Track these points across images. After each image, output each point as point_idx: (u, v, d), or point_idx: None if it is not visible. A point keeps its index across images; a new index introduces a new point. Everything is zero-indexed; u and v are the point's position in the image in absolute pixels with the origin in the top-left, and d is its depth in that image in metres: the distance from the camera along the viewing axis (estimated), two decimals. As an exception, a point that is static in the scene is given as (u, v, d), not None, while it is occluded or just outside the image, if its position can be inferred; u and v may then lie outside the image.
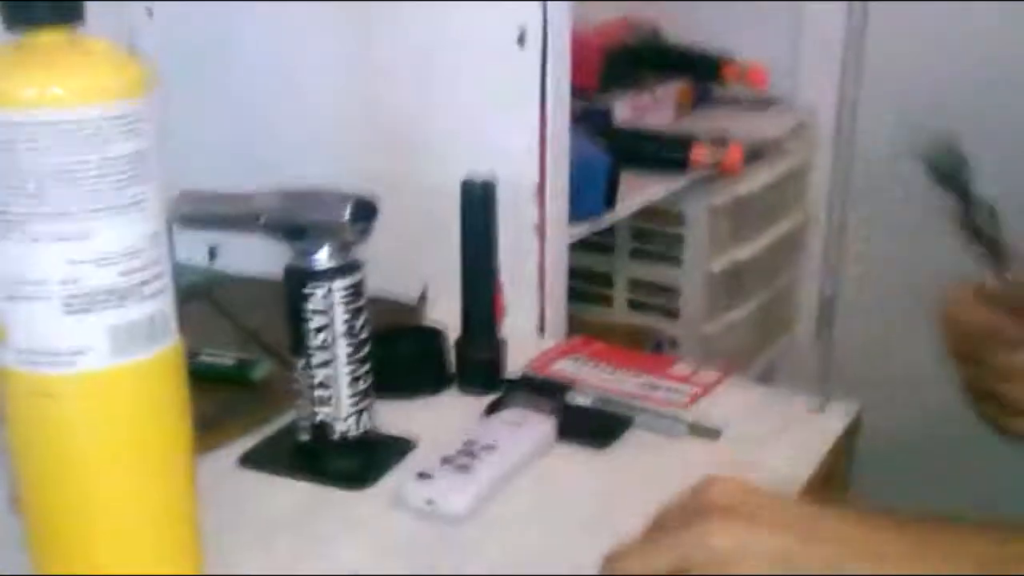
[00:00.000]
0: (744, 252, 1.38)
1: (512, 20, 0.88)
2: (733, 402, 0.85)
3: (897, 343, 1.65)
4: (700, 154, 1.22)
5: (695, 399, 0.84)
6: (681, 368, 0.89)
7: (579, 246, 1.35)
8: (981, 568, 0.49)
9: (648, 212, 1.30)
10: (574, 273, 1.38)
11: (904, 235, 1.59)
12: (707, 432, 0.79)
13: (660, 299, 1.35)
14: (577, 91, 1.30)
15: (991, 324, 0.63)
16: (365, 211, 0.71)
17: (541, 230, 0.93)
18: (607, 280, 1.37)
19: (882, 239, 1.64)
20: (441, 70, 0.93)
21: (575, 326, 1.34)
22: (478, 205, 0.80)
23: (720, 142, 1.26)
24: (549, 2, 0.87)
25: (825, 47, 1.54)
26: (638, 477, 0.75)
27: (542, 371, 0.88)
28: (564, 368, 0.89)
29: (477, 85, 0.92)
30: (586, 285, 1.39)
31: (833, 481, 0.79)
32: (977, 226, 0.58)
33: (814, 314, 1.65)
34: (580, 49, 1.34)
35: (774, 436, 0.80)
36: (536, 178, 0.91)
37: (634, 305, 1.37)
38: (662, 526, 0.55)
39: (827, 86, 1.55)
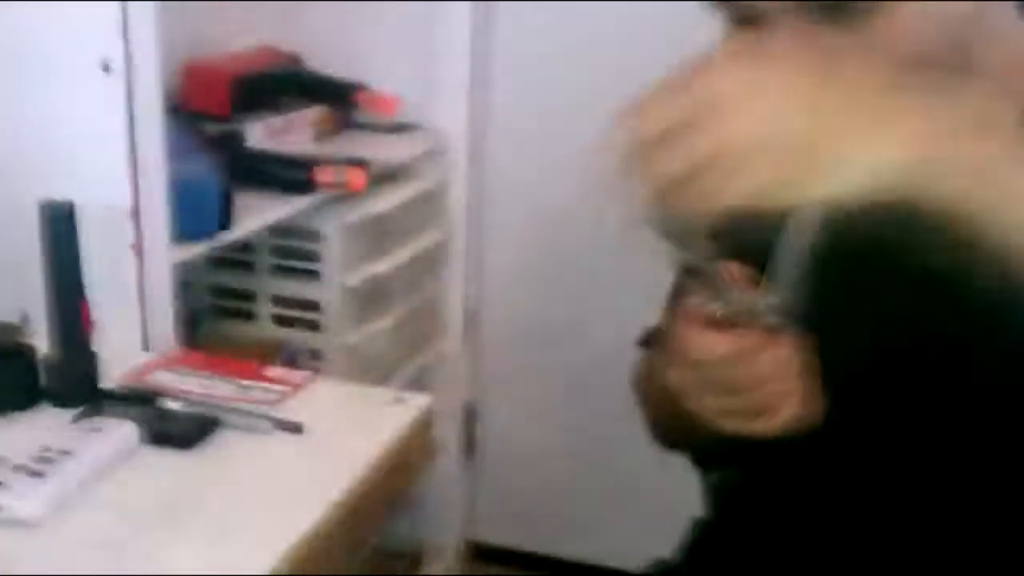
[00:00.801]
0: (382, 266, 1.49)
1: (96, 48, 0.92)
2: (320, 399, 0.93)
3: (538, 350, 1.82)
4: (324, 175, 1.31)
5: (284, 398, 0.92)
6: (275, 371, 0.96)
7: (221, 264, 1.40)
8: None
9: (286, 230, 1.38)
10: (218, 291, 1.44)
11: (543, 244, 1.76)
12: (290, 426, 0.87)
13: (303, 313, 1.42)
14: (206, 116, 1.36)
15: (730, 344, 0.65)
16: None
17: (138, 249, 0.97)
18: (251, 297, 1.43)
19: (520, 253, 1.80)
20: (31, 96, 0.96)
21: (220, 342, 1.39)
22: (57, 226, 0.83)
23: (347, 164, 1.36)
24: (132, 31, 0.92)
25: (455, 76, 1.68)
26: (222, 472, 0.81)
27: (138, 382, 0.92)
28: (162, 378, 0.93)
29: (67, 111, 0.95)
30: (231, 302, 1.44)
31: (406, 467, 0.89)
32: (698, 268, 0.66)
33: (460, 324, 1.79)
34: (210, 76, 1.40)
35: (352, 426, 0.89)
36: (129, 200, 0.95)
37: (279, 320, 1.43)
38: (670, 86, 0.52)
39: (458, 113, 1.70)
